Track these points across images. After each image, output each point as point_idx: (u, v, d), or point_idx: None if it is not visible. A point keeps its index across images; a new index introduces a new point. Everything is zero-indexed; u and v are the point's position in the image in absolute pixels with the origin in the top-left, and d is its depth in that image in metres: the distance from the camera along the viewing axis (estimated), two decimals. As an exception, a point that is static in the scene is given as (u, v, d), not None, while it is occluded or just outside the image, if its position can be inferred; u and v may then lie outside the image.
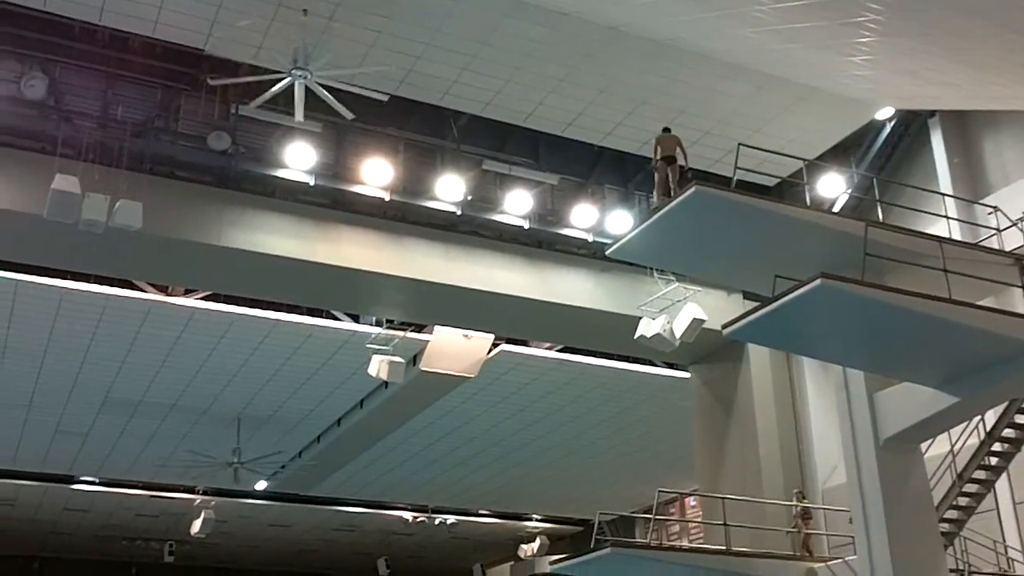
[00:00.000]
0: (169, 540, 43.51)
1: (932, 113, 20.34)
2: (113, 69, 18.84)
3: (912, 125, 20.97)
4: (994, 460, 14.59)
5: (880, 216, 15.61)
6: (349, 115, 17.53)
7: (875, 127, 21.13)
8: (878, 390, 13.35)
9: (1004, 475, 15.59)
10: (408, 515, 41.16)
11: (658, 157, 14.37)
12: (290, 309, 23.92)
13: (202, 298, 23.28)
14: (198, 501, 36.93)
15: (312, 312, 24.28)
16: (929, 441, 14.07)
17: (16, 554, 44.35)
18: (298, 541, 45.52)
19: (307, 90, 16.84)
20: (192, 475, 32.60)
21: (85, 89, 18.74)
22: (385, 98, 17.67)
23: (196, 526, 36.89)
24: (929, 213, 15.23)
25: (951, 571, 13.74)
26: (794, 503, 18.22)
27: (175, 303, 23.20)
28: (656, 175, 14.47)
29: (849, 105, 19.69)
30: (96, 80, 18.83)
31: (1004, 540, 17.09)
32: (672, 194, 13.69)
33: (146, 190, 17.75)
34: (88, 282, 22.05)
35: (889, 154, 21.24)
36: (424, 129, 21.14)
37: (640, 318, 20.70)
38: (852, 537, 13.90)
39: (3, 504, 37.88)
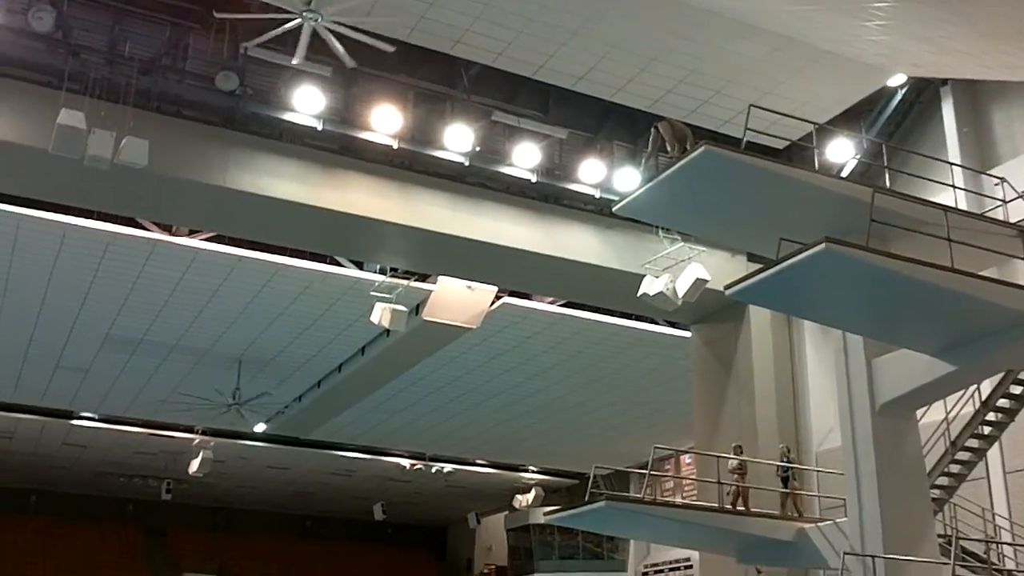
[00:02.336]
0: (167, 478, 43.97)
1: (944, 82, 20.31)
2: (122, 4, 18.80)
3: (924, 93, 20.93)
4: (987, 429, 14.75)
5: (887, 183, 15.64)
6: (352, 63, 17.46)
7: (887, 93, 21.10)
8: (876, 356, 13.46)
9: (996, 444, 15.76)
10: (405, 462, 41.54)
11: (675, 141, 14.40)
12: (294, 254, 23.97)
13: (206, 239, 23.33)
14: (197, 441, 37.25)
15: (316, 257, 24.34)
16: (924, 408, 14.18)
17: (13, 486, 44.89)
18: (295, 483, 46.02)
19: (318, 34, 16.80)
20: (191, 415, 32.86)
21: (93, 24, 18.69)
22: (391, 49, 17.55)
23: (194, 465, 37.23)
24: (936, 182, 15.26)
25: (939, 536, 13.91)
26: (731, 456, 18.20)
27: (179, 243, 23.26)
28: (651, 135, 14.56)
29: (862, 70, 19.63)
30: (104, 15, 18.81)
31: (992, 508, 17.34)
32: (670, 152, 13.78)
33: (152, 128, 17.74)
34: (92, 219, 22.09)
35: (899, 121, 21.23)
36: (434, 78, 21.08)
37: (644, 276, 20.78)
38: (844, 499, 14.05)
39: (1, 437, 38.23)
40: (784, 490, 17.63)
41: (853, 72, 19.62)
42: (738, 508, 17.14)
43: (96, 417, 36.57)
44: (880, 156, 19.70)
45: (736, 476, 17.70)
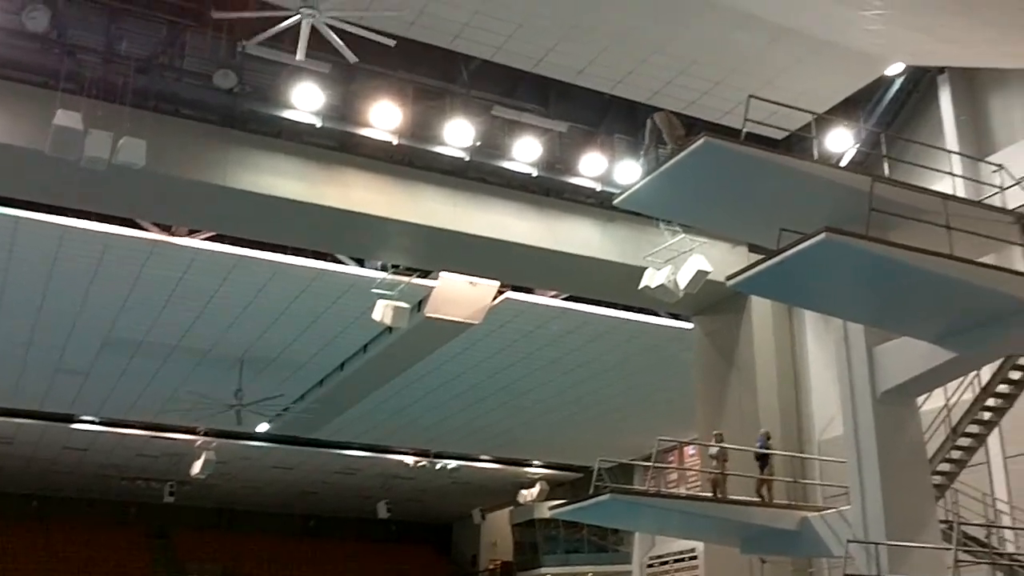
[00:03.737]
0: (169, 480, 44.04)
1: (941, 70, 20.50)
2: (117, 3, 18.87)
3: (921, 82, 21.12)
4: (987, 415, 14.93)
5: (886, 172, 15.81)
6: (353, 58, 17.54)
7: (885, 83, 21.28)
8: (877, 344, 13.62)
9: (996, 430, 15.95)
10: (409, 459, 41.67)
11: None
12: (295, 252, 24.08)
13: (206, 239, 23.43)
14: (199, 442, 37.35)
15: (317, 255, 24.44)
16: (925, 395, 14.37)
17: (13, 492, 44.92)
18: (299, 483, 46.13)
19: (316, 30, 16.93)
20: (194, 416, 32.95)
21: (88, 23, 18.77)
22: (392, 43, 17.69)
23: (197, 467, 37.35)
24: (934, 170, 15.46)
25: (941, 522, 14.09)
26: (711, 444, 18.39)
27: (178, 243, 23.36)
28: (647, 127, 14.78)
29: (860, 60, 19.80)
30: (100, 14, 18.87)
31: (993, 493, 17.58)
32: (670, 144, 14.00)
33: (150, 128, 17.86)
34: (90, 220, 22.14)
35: (897, 110, 21.41)
36: (434, 73, 21.23)
37: (645, 268, 20.98)
38: (847, 488, 14.25)
39: (1, 443, 38.29)
40: (760, 476, 17.78)
41: (851, 62, 19.80)
42: (718, 495, 17.34)
43: (97, 420, 36.64)
44: (879, 145, 19.89)
45: (716, 463, 17.86)
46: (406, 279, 24.34)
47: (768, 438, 18.66)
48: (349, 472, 44.32)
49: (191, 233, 23.34)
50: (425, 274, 25.05)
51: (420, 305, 25.56)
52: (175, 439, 38.06)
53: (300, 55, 17.02)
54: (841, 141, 21.51)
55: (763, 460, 18.13)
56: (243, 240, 23.37)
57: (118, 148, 17.17)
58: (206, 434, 37.17)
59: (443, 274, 24.82)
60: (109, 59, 18.55)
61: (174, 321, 27.45)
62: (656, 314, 27.31)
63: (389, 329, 26.48)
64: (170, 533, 48.82)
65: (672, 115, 15.12)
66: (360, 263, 24.97)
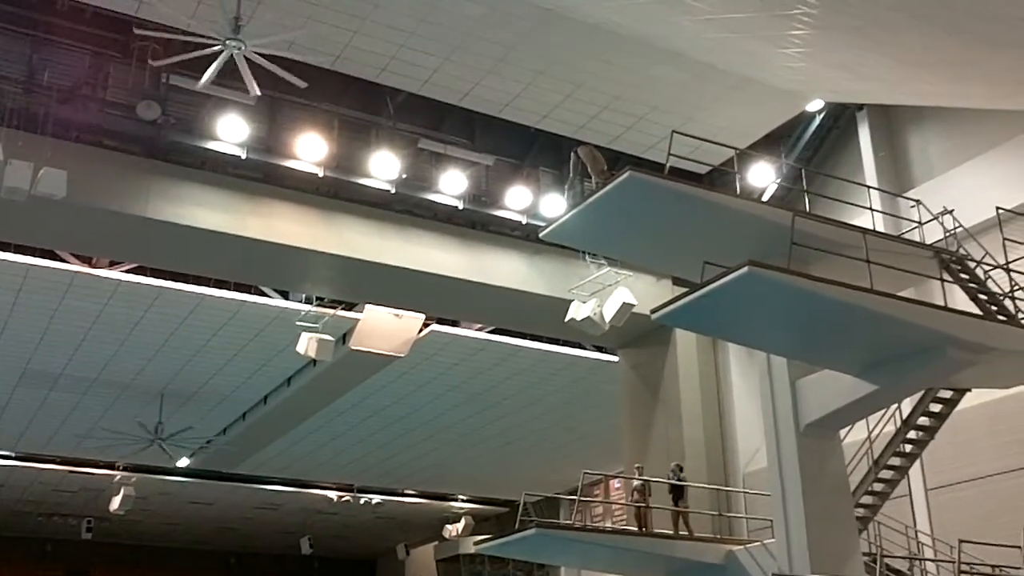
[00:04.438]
0: (87, 516, 42.96)
1: (860, 106, 20.93)
2: (41, 33, 18.60)
3: (841, 117, 21.55)
4: (909, 447, 15.07)
5: (807, 206, 16.01)
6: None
7: (805, 118, 21.70)
8: (800, 377, 13.71)
9: (917, 462, 16.13)
10: (333, 494, 41.12)
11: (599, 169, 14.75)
12: (218, 284, 23.80)
13: (127, 270, 23.05)
14: (118, 477, 36.55)
15: (240, 287, 24.18)
16: (848, 428, 14.49)
17: (-75, 529, 43.55)
18: (220, 519, 45.27)
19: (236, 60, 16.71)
20: (112, 451, 32.26)
21: (10, 52, 18.51)
22: (304, 85, 17.37)
23: (115, 502, 36.54)
24: (854, 205, 15.65)
25: (864, 554, 14.18)
26: (635, 477, 18.42)
27: (99, 275, 22.94)
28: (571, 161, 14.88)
29: (781, 96, 20.16)
30: (22, 44, 18.62)
31: (915, 525, 17.78)
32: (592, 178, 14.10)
33: (72, 158, 17.59)
34: (9, 251, 21.68)
35: (818, 145, 21.83)
36: (360, 105, 21.20)
37: (571, 301, 21.01)
38: (771, 520, 14.29)
39: (-89, 478, 37.17)
40: (675, 508, 17.76)
41: (773, 98, 20.14)
42: (643, 529, 17.30)
43: (13, 455, 35.65)
44: (800, 180, 20.15)
45: (637, 496, 17.84)
46: (331, 312, 24.14)
47: (681, 470, 18.64)
48: (271, 507, 43.61)
49: (112, 265, 22.96)
50: (350, 306, 24.87)
51: (345, 338, 25.36)
52: (93, 474, 37.17)
53: (254, 90, 16.58)
54: (763, 176, 21.84)
55: (678, 492, 18.09)
56: (165, 272, 23.01)
57: (38, 179, 16.85)
58: (125, 469, 36.40)
59: (368, 306, 24.63)
60: (31, 89, 18.26)
61: (94, 353, 26.91)
62: (582, 347, 27.36)
63: (313, 362, 26.22)
64: (88, 570, 47.49)
65: (596, 149, 15.22)
66: (284, 295, 24.74)
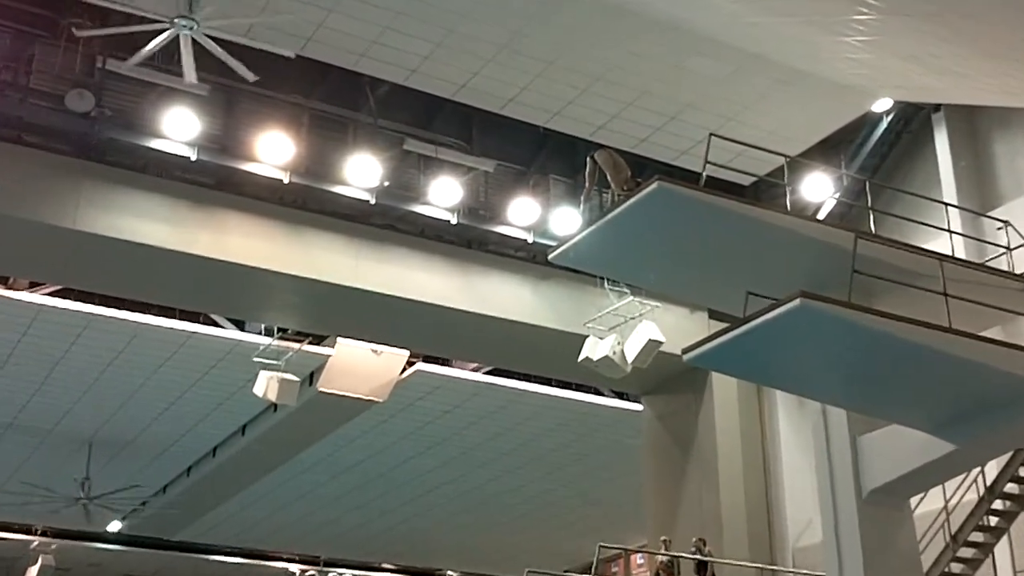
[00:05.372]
0: (-4, 591, 42.88)
1: (937, 107, 20.88)
2: (-47, 10, 18.70)
3: (913, 120, 21.55)
4: (994, 520, 15.01)
5: (872, 226, 15.98)
6: (251, 76, 17.45)
7: (870, 121, 21.68)
8: (862, 433, 13.65)
9: (1004, 538, 16.03)
10: (295, 567, 40.95)
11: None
12: (160, 311, 23.88)
13: (51, 293, 23.10)
14: (35, 543, 36.28)
15: (187, 316, 24.24)
16: (920, 495, 14.41)
17: None
18: (158, 596, 45.16)
19: (194, 44, 16.79)
20: (29, 511, 32.14)
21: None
22: (291, 54, 17.56)
23: (32, 574, 36.35)
24: (929, 226, 15.61)
25: (940, 649, 14.12)
26: (660, 552, 18.40)
27: (16, 298, 23.03)
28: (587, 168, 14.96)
29: (841, 93, 20.15)
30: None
31: (1002, 615, 17.61)
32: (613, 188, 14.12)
33: (-13, 158, 17.64)
34: (-91, 269, 21.71)
35: (885, 153, 21.80)
36: (335, 99, 21.25)
37: (586, 337, 20.91)
38: (826, 606, 14.19)
39: None
40: None
41: (831, 95, 20.14)
42: None
43: (-90, 515, 35.64)
44: (863, 195, 20.13)
45: (663, 575, 17.87)
46: (295, 346, 24.18)
47: (704, 544, 18.66)
48: (221, 582, 43.53)
49: (33, 287, 22.98)
50: (319, 340, 24.90)
51: (312, 378, 25.39)
52: (6, 539, 36.98)
53: (190, 76, 16.75)
54: (819, 189, 21.81)
55: (703, 570, 18.05)
56: (96, 296, 23.05)
57: (-55, 182, 16.88)
58: (44, 533, 36.15)
59: (341, 340, 24.65)
60: (-60, 76, 18.31)
61: (9, 394, 26.93)
62: (599, 392, 27.31)
63: (274, 407, 26.23)
64: (-4, 657, 47.37)
65: (617, 154, 15.22)
66: (240, 326, 24.81)
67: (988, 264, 15.37)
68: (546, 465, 31.13)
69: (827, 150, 21.78)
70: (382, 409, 26.81)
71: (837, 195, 21.85)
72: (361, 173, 20.68)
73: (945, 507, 15.63)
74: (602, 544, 19.96)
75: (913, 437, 13.02)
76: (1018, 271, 14.92)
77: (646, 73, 19.60)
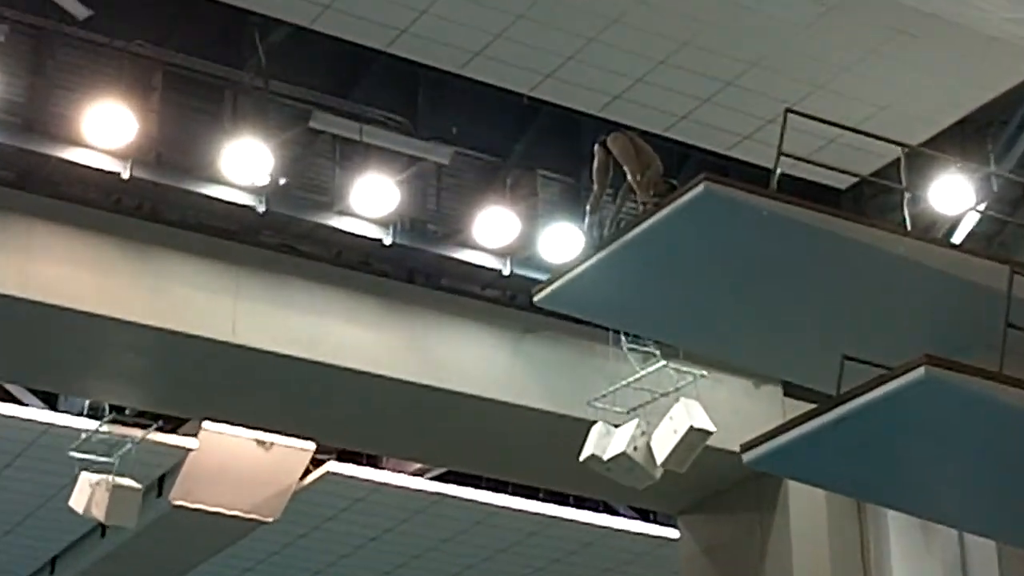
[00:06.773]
0: None
1: None
2: None
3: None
4: None
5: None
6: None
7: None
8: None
9: None
10: None
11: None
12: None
13: None
14: None
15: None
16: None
17: None
18: None
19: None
20: None
21: None
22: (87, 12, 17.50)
23: None
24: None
25: None
26: None
27: None
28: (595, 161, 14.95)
29: (985, 51, 20.14)
30: None
31: None
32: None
33: None
34: None
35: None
36: (205, 48, 21.33)
37: (592, 423, 20.84)
38: None
39: None
40: None
41: (970, 55, 20.13)
42: None
43: None
44: (1021, 204, 20.16)
45: None
46: (138, 434, 24.15)
47: None
48: None
49: None
50: (175, 426, 24.78)
51: (162, 484, 25.26)
52: None
53: None
54: (954, 196, 21.77)
55: None
56: None
57: None
58: None
59: (207, 426, 24.63)
60: None
61: None
62: (612, 511, 27.30)
63: (102, 529, 26.03)
64: None
65: (639, 140, 15.19)
66: (50, 403, 24.73)
67: None
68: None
69: (965, 139, 21.84)
70: (273, 533, 26.70)
71: (982, 207, 21.87)
72: (242, 164, 20.60)
73: None
74: None
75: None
76: None
77: (687, 12, 19.58)
